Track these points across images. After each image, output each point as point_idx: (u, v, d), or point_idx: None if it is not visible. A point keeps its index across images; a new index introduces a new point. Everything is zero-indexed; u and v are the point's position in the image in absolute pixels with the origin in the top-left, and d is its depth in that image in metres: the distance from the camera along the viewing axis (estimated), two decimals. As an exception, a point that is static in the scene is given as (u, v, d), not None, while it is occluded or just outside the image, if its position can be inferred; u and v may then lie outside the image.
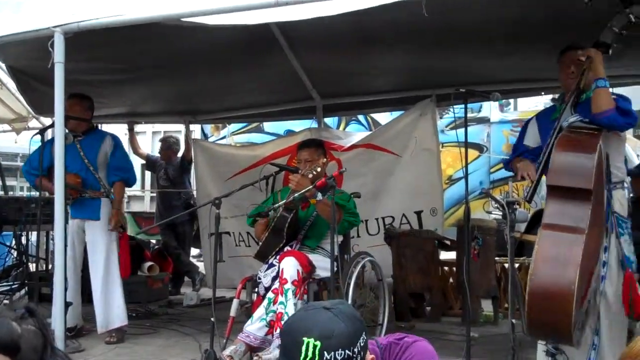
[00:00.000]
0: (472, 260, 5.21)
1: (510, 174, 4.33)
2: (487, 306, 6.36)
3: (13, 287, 7.11)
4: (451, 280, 6.64)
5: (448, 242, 6.45)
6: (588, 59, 3.63)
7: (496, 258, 6.26)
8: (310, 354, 1.64)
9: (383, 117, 8.88)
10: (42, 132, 5.37)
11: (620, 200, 3.77)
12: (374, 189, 6.63)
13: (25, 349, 1.98)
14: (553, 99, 4.20)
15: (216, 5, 3.90)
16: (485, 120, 8.93)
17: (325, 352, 1.65)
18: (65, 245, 4.62)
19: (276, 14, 3.87)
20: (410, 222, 6.58)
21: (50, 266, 6.74)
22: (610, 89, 3.67)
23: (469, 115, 8.66)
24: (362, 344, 1.71)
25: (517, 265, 6.32)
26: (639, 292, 3.64)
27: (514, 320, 3.55)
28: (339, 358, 1.65)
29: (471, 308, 5.14)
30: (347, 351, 1.66)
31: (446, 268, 6.66)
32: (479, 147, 8.77)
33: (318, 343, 1.65)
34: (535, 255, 3.26)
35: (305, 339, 1.66)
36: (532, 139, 4.13)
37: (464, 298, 6.01)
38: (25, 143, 6.18)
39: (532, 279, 3.20)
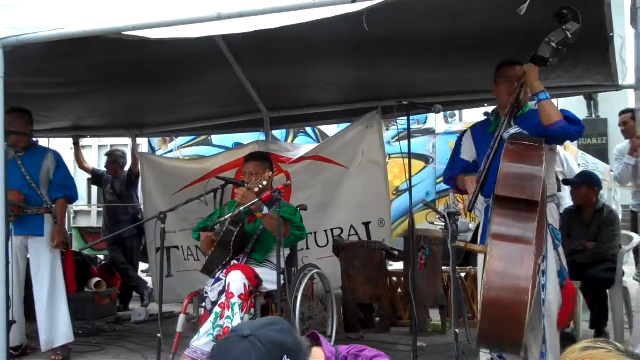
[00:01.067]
0: (419, 270, 5.30)
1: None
2: (435, 316, 6.42)
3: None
4: (400, 290, 6.69)
5: (396, 253, 6.51)
6: (524, 74, 3.73)
7: (443, 267, 6.33)
8: None
9: (331, 129, 8.95)
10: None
11: (553, 212, 3.87)
12: (323, 201, 6.67)
13: None
14: (486, 114, 4.27)
15: (158, 18, 3.87)
16: (430, 132, 9.05)
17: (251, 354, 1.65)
18: (8, 262, 4.52)
19: (218, 27, 3.87)
20: (358, 234, 6.62)
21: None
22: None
23: (415, 126, 8.84)
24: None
25: (463, 274, 6.43)
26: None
27: (457, 330, 3.59)
28: None
29: (419, 318, 5.21)
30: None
31: (395, 278, 6.71)
32: (425, 158, 8.89)
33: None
34: (488, 266, 3.30)
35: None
36: (468, 153, 4.19)
37: (411, 308, 6.07)
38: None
39: (486, 289, 3.24)
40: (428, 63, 5.51)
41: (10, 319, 4.50)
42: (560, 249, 3.84)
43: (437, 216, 3.68)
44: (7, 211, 4.30)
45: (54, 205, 5.43)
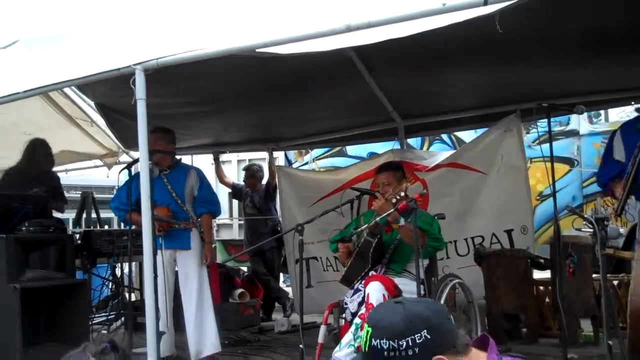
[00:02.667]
0: (568, 279, 5.04)
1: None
2: (586, 326, 6.10)
3: (109, 317, 7.34)
4: (547, 299, 6.40)
5: (542, 261, 6.23)
6: None
7: (594, 275, 6.00)
8: (365, 338, 1.86)
9: (467, 135, 8.72)
10: (129, 166, 5.56)
11: None
12: (462, 209, 6.50)
13: None
14: (638, 109, 4.01)
15: (288, 34, 3.91)
16: (574, 133, 8.62)
17: (373, 339, 1.83)
18: (156, 276, 4.72)
19: (348, 39, 3.85)
20: (500, 241, 6.40)
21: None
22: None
23: (557, 128, 8.46)
24: (416, 342, 1.78)
25: (616, 282, 6.06)
26: None
27: (610, 342, 3.38)
28: (384, 347, 1.80)
29: (569, 328, 4.95)
30: (392, 342, 1.79)
31: (541, 287, 6.42)
32: (570, 161, 8.48)
33: (370, 329, 1.85)
34: (635, 274, 3.09)
35: (366, 326, 1.87)
36: (619, 153, 3.96)
37: (560, 318, 5.80)
38: (117, 176, 6.42)
39: (632, 299, 3.04)
40: (567, 61, 5.25)
41: (160, 330, 4.70)
42: None
43: (584, 222, 3.49)
44: (154, 226, 4.49)
45: (198, 220, 5.62)
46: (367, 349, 1.84)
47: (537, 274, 6.57)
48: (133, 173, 5.62)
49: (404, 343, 1.79)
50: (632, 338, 3.08)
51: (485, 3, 3.31)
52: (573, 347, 5.43)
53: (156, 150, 5.07)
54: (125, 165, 5.96)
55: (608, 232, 3.31)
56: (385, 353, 1.80)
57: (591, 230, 3.46)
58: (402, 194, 4.35)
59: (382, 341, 1.80)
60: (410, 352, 1.79)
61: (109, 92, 6.20)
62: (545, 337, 6.20)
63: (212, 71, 5.15)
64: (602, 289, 5.94)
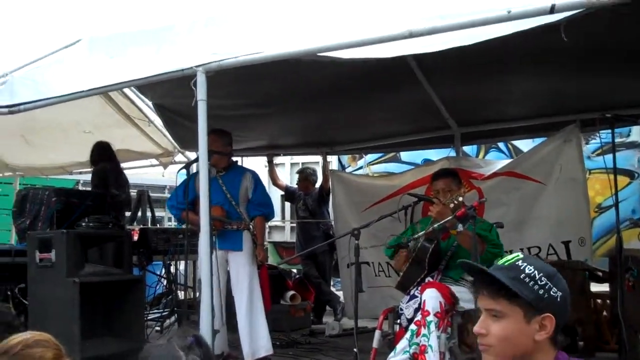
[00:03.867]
0: (627, 292, 4.92)
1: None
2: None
3: (163, 314, 7.44)
4: (605, 313, 6.26)
5: (600, 274, 6.10)
6: None
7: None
8: (510, 259, 1.99)
9: (524, 144, 8.61)
10: (187, 166, 5.66)
11: None
12: (518, 219, 6.40)
13: None
14: None
15: (350, 39, 3.91)
16: (635, 145, 8.43)
17: (520, 261, 1.97)
18: (212, 275, 4.77)
19: (410, 46, 3.83)
20: (557, 253, 6.29)
21: (197, 294, 7.01)
22: None
23: (617, 140, 8.26)
24: (551, 291, 1.93)
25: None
26: None
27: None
28: (526, 271, 1.93)
29: (629, 342, 4.83)
30: (535, 272, 1.93)
31: (599, 301, 6.28)
32: (630, 174, 8.29)
33: (521, 255, 2.01)
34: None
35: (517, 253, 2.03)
36: None
37: (620, 331, 5.67)
38: (172, 176, 6.52)
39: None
40: (631, 71, 5.12)
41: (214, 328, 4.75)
42: None
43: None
44: (211, 225, 4.54)
45: (251, 223, 5.67)
46: (507, 263, 1.98)
47: (595, 287, 6.43)
48: (190, 173, 5.71)
49: (544, 281, 1.93)
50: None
51: (552, 11, 3.25)
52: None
53: (213, 151, 5.11)
54: (183, 165, 6.06)
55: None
56: (522, 275, 1.93)
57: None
58: (460, 198, 4.31)
59: (528, 266, 1.94)
60: (540, 292, 1.92)
61: (168, 93, 6.30)
62: (603, 351, 6.05)
63: (270, 74, 5.17)
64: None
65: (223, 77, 4.50)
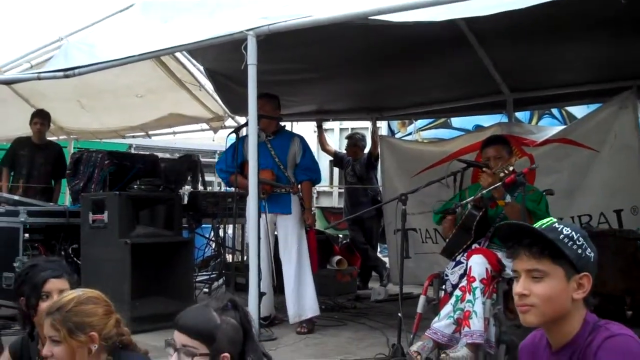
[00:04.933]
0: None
1: None
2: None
3: (211, 276, 7.58)
4: (657, 283, 6.17)
5: (652, 243, 6.00)
6: None
7: None
8: (546, 222, 2.05)
9: (579, 110, 8.42)
10: (237, 130, 5.72)
11: None
12: (569, 186, 6.29)
13: (221, 340, 2.07)
14: None
15: (401, 2, 3.88)
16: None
17: (557, 223, 2.04)
18: (259, 238, 4.84)
19: (462, 9, 3.78)
20: (608, 221, 6.17)
21: (245, 257, 7.12)
22: None
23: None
24: (587, 250, 2.01)
25: None
26: None
27: None
28: (564, 232, 2.00)
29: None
30: (573, 233, 2.01)
31: (649, 270, 6.20)
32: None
33: (555, 220, 2.07)
34: None
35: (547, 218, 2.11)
36: None
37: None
38: (222, 141, 6.59)
39: None
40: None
41: (262, 290, 4.83)
42: None
43: None
44: (258, 189, 4.60)
45: (299, 186, 5.71)
46: (544, 225, 2.03)
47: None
48: (239, 137, 5.76)
49: (582, 242, 2.01)
50: None
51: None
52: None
53: (262, 115, 5.14)
54: (232, 129, 6.12)
55: None
56: (562, 236, 1.99)
57: None
58: (511, 168, 4.25)
59: (565, 228, 2.01)
60: (579, 251, 2.00)
61: (219, 57, 6.36)
62: (651, 323, 5.99)
63: (319, 38, 5.17)
64: None
65: (272, 42, 4.52)
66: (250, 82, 4.41)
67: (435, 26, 4.53)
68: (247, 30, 4.36)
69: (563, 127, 7.43)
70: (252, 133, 4.55)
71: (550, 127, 7.48)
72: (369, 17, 4.06)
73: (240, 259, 7.86)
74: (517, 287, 2.01)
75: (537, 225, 2.04)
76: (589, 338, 1.99)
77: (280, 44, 4.85)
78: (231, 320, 2.13)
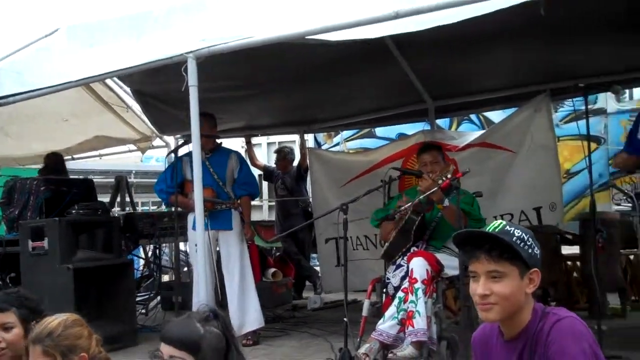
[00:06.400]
0: (598, 253, 5.20)
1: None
2: (613, 299, 6.27)
3: (150, 296, 7.58)
4: (575, 274, 6.58)
5: (570, 237, 6.40)
6: None
7: (621, 250, 6.16)
8: (497, 226, 2.22)
9: (495, 115, 8.82)
10: (175, 150, 5.76)
11: None
12: (491, 187, 6.58)
13: (206, 349, 2.17)
14: None
15: (339, 21, 4.06)
16: (601, 112, 8.71)
17: (508, 226, 2.22)
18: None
19: (395, 26, 3.99)
20: (529, 219, 6.54)
21: (180, 276, 7.14)
22: None
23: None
24: (535, 248, 2.22)
25: (632, 257, 6.25)
26: None
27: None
28: (516, 233, 2.19)
29: (599, 301, 5.12)
30: (523, 234, 2.20)
31: (570, 263, 6.60)
32: (597, 139, 8.57)
33: (505, 222, 2.25)
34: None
35: (496, 220, 2.30)
36: None
37: (590, 291, 5.95)
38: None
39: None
40: (600, 42, 5.37)
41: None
42: None
43: (623, 196, 3.65)
44: (203, 206, 4.70)
45: (238, 202, 5.82)
46: (497, 229, 2.21)
47: (565, 250, 6.73)
48: (170, 159, 5.81)
49: (531, 241, 2.22)
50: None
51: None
52: (602, 319, 5.59)
53: (203, 134, 5.21)
54: (164, 148, 6.17)
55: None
56: (514, 238, 2.18)
57: (628, 205, 3.62)
58: (449, 175, 4.51)
59: (516, 230, 2.21)
60: (529, 251, 2.20)
61: (146, 79, 6.36)
62: (574, 310, 6.31)
63: (250, 56, 5.28)
64: (631, 263, 6.16)
65: (206, 61, 4.60)
66: (192, 103, 4.50)
67: (363, 41, 4.73)
68: (187, 52, 4.45)
69: (482, 131, 7.77)
70: (195, 152, 4.64)
71: (470, 132, 7.84)
72: (307, 37, 4.23)
73: (175, 278, 7.88)
74: (479, 288, 2.19)
75: (489, 228, 2.23)
76: (540, 324, 2.20)
77: (213, 63, 4.93)
78: (214, 329, 2.24)
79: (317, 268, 8.70)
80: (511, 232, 2.20)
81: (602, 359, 2.17)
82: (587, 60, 5.89)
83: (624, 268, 6.38)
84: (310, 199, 8.28)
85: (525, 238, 2.21)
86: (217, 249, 5.85)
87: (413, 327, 4.32)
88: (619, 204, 3.96)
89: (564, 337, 2.13)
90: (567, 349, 2.10)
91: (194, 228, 5.06)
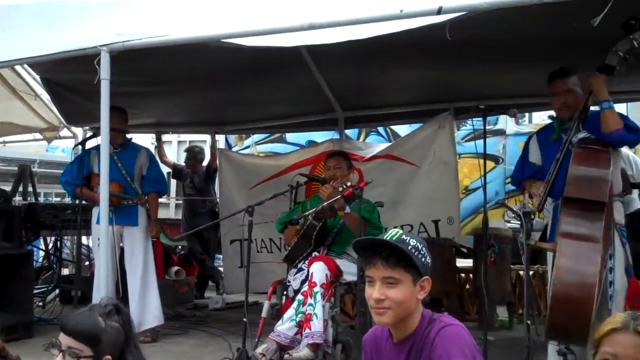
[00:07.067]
0: (489, 267, 5.49)
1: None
2: (502, 312, 6.58)
3: (48, 289, 7.42)
4: (468, 286, 6.87)
5: (465, 250, 6.68)
6: (590, 85, 3.93)
7: (511, 266, 6.49)
8: (394, 234, 2.37)
9: (402, 129, 9.11)
10: (83, 142, 5.70)
11: (618, 210, 4.05)
12: (393, 198, 6.83)
13: (105, 343, 2.26)
14: (550, 117, 4.49)
15: (253, 27, 4.16)
16: (501, 133, 9.13)
17: (404, 235, 2.37)
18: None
19: (309, 37, 4.13)
20: (427, 231, 6.79)
21: (80, 269, 7.04)
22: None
23: (486, 127, 8.89)
24: (427, 257, 2.40)
25: (531, 272, 6.57)
26: None
27: (529, 322, 3.79)
28: (411, 243, 2.35)
29: (488, 313, 5.40)
30: (418, 244, 2.37)
31: (463, 275, 6.89)
32: (495, 158, 8.96)
33: (401, 231, 2.41)
34: (557, 262, 3.52)
35: (395, 230, 2.43)
36: (535, 156, 4.43)
37: (480, 303, 6.23)
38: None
39: (555, 284, 3.46)
40: (502, 66, 5.66)
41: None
42: (627, 247, 4.01)
43: (512, 215, 3.89)
44: (109, 201, 4.69)
45: (145, 198, 5.82)
46: (394, 238, 2.36)
47: (460, 263, 7.02)
48: (77, 150, 5.74)
49: (424, 250, 2.38)
50: (551, 320, 3.49)
51: (439, 12, 3.67)
52: (490, 330, 5.87)
53: (111, 128, 5.18)
54: (72, 139, 6.09)
55: (534, 225, 3.72)
56: (409, 247, 2.34)
57: (517, 223, 3.86)
58: (349, 183, 4.68)
59: (411, 239, 2.38)
60: (422, 259, 2.36)
61: (57, 68, 6.23)
62: (464, 320, 6.58)
63: (165, 53, 5.29)
64: (520, 277, 6.48)
65: (120, 55, 4.58)
66: (103, 97, 4.50)
67: (278, 48, 4.84)
68: (101, 45, 4.44)
69: (388, 144, 8.01)
70: (104, 145, 4.63)
71: (377, 144, 8.05)
72: (222, 40, 4.30)
73: (75, 272, 7.76)
74: (374, 293, 2.33)
75: (387, 237, 2.37)
76: (427, 330, 2.37)
77: (127, 57, 4.91)
78: (115, 324, 2.31)
79: (221, 268, 8.75)
80: (407, 241, 2.35)
81: None
82: (489, 83, 6.21)
83: (514, 282, 6.71)
84: (218, 200, 8.32)
85: (419, 247, 2.37)
86: (121, 244, 5.81)
87: (310, 329, 4.45)
88: (509, 222, 4.21)
89: (448, 342, 2.30)
90: (450, 354, 2.26)
91: (98, 222, 5.03)
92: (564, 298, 3.45)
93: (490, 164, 8.89)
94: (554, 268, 3.55)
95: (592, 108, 4.15)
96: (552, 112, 4.49)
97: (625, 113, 4.44)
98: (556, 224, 3.91)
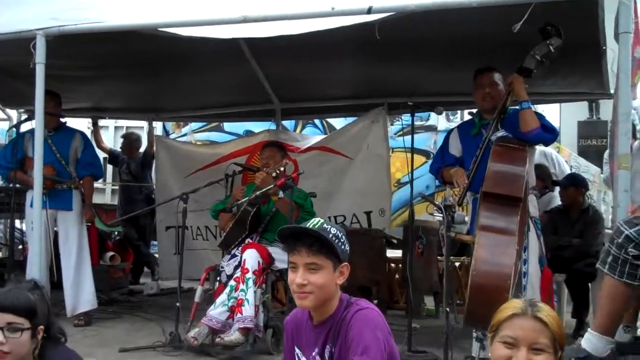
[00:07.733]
0: (416, 258, 5.69)
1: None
2: (429, 301, 6.82)
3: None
4: (397, 276, 7.07)
5: (395, 241, 6.86)
6: (510, 85, 4.17)
7: (439, 257, 6.70)
8: (316, 223, 2.49)
9: (338, 122, 9.27)
10: (17, 125, 5.67)
11: (533, 203, 4.31)
12: (328, 189, 6.97)
13: (39, 314, 2.47)
14: (471, 113, 4.73)
15: (190, 17, 4.25)
16: (432, 128, 9.42)
17: (325, 224, 2.50)
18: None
19: (244, 30, 4.25)
20: (360, 222, 6.99)
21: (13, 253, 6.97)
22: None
23: (418, 123, 9.17)
24: (345, 244, 2.55)
25: (457, 264, 6.83)
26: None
27: (447, 309, 4.00)
28: (332, 231, 2.49)
29: (414, 302, 5.60)
30: (338, 232, 2.51)
31: (393, 265, 7.09)
32: (426, 154, 9.23)
33: (323, 220, 2.53)
34: (475, 254, 3.74)
35: (317, 219, 2.55)
36: (455, 149, 4.66)
37: (407, 292, 6.44)
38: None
39: (473, 274, 3.67)
40: (432, 65, 5.89)
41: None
42: (542, 239, 4.27)
43: (435, 208, 4.08)
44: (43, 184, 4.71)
45: (80, 182, 5.82)
46: (316, 226, 2.48)
47: (390, 253, 7.22)
48: (11, 133, 5.70)
49: (344, 238, 2.53)
50: (469, 308, 3.70)
51: (369, 12, 3.83)
52: (416, 318, 6.07)
53: (48, 112, 5.19)
54: (8, 122, 6.04)
55: (455, 217, 3.90)
56: (331, 235, 2.47)
57: (440, 216, 4.05)
58: (282, 169, 4.82)
59: (332, 227, 2.52)
60: (342, 247, 2.51)
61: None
62: (393, 309, 6.81)
63: (102, 38, 5.30)
64: (444, 265, 6.71)
65: (57, 39, 4.61)
66: (38, 81, 4.52)
67: (217, 39, 4.92)
68: (37, 29, 4.45)
69: (324, 136, 8.19)
70: (38, 129, 4.64)
71: (312, 136, 8.22)
72: (159, 29, 4.37)
73: (8, 255, 7.66)
74: (297, 278, 2.46)
75: (309, 225, 2.50)
76: (344, 313, 2.53)
77: (63, 42, 4.87)
78: (38, 296, 2.51)
79: (157, 255, 8.77)
80: (328, 229, 2.49)
81: (393, 346, 2.53)
82: (420, 81, 6.42)
83: (441, 273, 6.93)
84: (154, 186, 8.34)
85: (339, 235, 2.51)
86: (55, 228, 5.81)
87: (242, 314, 4.58)
88: (432, 214, 4.40)
89: (362, 325, 2.46)
90: (363, 335, 2.42)
91: (32, 205, 5.03)
92: (480, 287, 3.65)
93: (421, 159, 9.19)
94: (472, 259, 3.76)
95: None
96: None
97: (558, 113, 4.71)
98: (475, 217, 4.13)
